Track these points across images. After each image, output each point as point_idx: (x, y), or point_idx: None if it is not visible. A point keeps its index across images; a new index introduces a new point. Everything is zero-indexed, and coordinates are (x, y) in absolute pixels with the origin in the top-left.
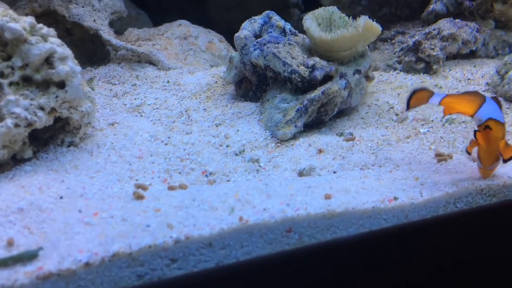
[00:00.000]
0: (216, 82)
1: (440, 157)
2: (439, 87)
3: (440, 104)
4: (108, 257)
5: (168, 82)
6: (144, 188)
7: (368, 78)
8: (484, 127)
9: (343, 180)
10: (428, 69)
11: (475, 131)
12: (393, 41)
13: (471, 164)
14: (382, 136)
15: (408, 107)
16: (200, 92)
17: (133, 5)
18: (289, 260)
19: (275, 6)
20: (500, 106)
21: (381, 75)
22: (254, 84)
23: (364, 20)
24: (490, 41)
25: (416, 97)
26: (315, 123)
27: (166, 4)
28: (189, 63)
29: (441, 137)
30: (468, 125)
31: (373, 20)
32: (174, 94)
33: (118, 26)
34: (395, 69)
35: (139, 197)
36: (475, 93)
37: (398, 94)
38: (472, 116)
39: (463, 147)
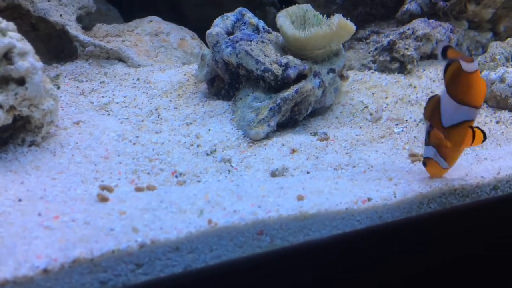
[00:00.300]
0: (188, 80)
1: (414, 157)
2: (413, 86)
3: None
4: (68, 263)
5: (138, 79)
6: (109, 189)
7: (343, 77)
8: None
9: (316, 181)
10: (403, 69)
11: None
12: (368, 41)
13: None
14: (357, 135)
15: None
16: (171, 90)
17: (103, 1)
18: (261, 263)
19: (250, 4)
20: None
21: (356, 74)
22: (226, 82)
23: (338, 19)
24: (464, 42)
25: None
26: (289, 122)
27: (139, 0)
28: (160, 61)
29: (415, 137)
30: None
31: (347, 19)
32: (144, 92)
33: (87, 21)
34: (369, 68)
35: (104, 199)
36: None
37: (373, 94)
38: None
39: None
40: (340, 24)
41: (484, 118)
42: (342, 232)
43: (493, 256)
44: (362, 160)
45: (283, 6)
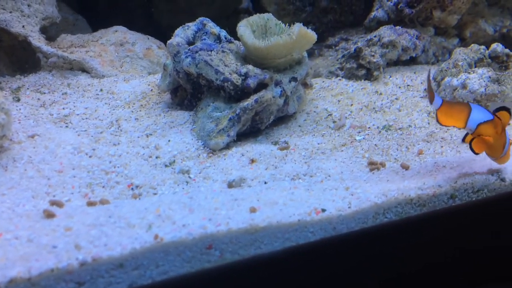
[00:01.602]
0: (151, 90)
1: (373, 166)
2: (379, 93)
3: (437, 111)
4: (5, 283)
5: (101, 90)
6: (59, 205)
7: (306, 85)
8: (477, 135)
9: (272, 192)
10: (369, 76)
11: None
12: (337, 48)
13: (403, 172)
14: (318, 144)
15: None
16: (135, 100)
17: (71, 10)
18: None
19: (224, 12)
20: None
21: (323, 81)
22: (189, 92)
23: (298, 28)
24: (430, 48)
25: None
26: (252, 131)
27: (110, 10)
28: (126, 71)
29: (375, 144)
30: (404, 132)
31: (308, 27)
32: (106, 103)
33: (53, 32)
34: (337, 75)
35: (50, 215)
36: (460, 102)
37: (339, 101)
38: (464, 128)
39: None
40: (300, 33)
41: None
42: (296, 244)
43: (454, 265)
44: (320, 170)
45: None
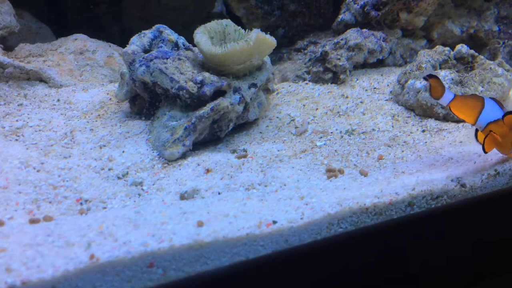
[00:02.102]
0: (110, 99)
1: (331, 173)
2: (346, 96)
3: (450, 105)
4: None
5: (58, 100)
6: (0, 223)
7: (269, 90)
8: (488, 133)
9: (223, 203)
10: (336, 79)
11: (476, 130)
12: (306, 51)
13: (361, 179)
14: (278, 151)
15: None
16: (92, 110)
17: (34, 19)
18: None
19: (197, 17)
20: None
21: (289, 86)
22: (147, 101)
23: (255, 34)
24: (398, 50)
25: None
26: (211, 139)
27: (79, 17)
28: (85, 80)
29: (335, 150)
30: (367, 136)
31: (266, 33)
32: (62, 114)
33: (13, 41)
34: (304, 79)
35: None
36: (475, 98)
37: (304, 106)
38: (473, 124)
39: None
40: (258, 39)
41: (410, 127)
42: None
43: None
44: (276, 178)
45: (231, 18)
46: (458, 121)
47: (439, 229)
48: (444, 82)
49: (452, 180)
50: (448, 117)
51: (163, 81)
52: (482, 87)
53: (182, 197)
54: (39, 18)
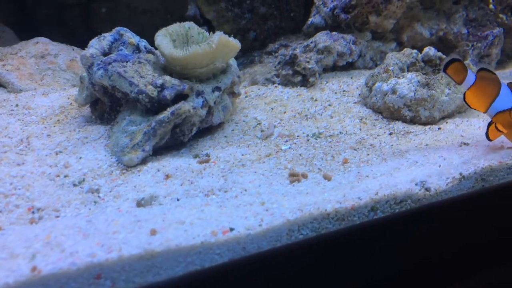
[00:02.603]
0: (71, 104)
1: (294, 178)
2: (314, 99)
3: (466, 91)
4: None
5: (16, 105)
6: None
7: (234, 94)
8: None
9: (180, 210)
10: (305, 82)
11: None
12: (276, 54)
13: (324, 184)
14: (242, 155)
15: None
16: (52, 115)
17: None
18: None
19: (169, 20)
20: None
21: (259, 89)
22: (107, 105)
23: (218, 36)
24: (367, 53)
25: (454, 68)
26: (174, 144)
27: (48, 21)
28: (46, 84)
29: (300, 154)
30: (334, 139)
31: (230, 36)
32: (19, 120)
33: None
34: (273, 82)
35: None
36: (492, 83)
37: (272, 109)
38: (484, 112)
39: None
40: (221, 42)
41: (378, 130)
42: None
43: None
44: (236, 184)
45: (205, 22)
46: (425, 123)
47: (403, 234)
48: (410, 85)
49: (416, 184)
50: (415, 120)
51: (122, 85)
52: (449, 89)
53: (139, 204)
54: (5, 22)
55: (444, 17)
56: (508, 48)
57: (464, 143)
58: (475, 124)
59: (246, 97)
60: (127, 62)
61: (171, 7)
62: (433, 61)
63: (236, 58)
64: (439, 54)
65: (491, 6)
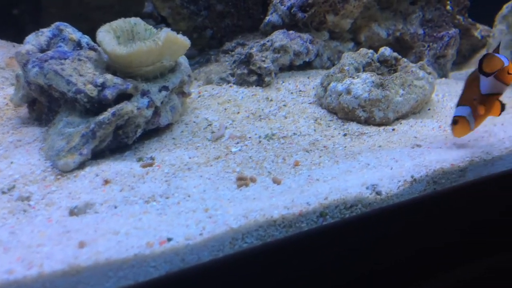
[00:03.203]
0: (7, 104)
1: (241, 182)
2: (270, 99)
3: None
4: None
5: None
6: None
7: (184, 94)
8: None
9: (116, 219)
10: (261, 82)
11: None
12: (233, 53)
13: (273, 188)
14: (189, 158)
15: (481, 71)
16: None
17: None
18: None
19: (125, 17)
20: None
21: (213, 88)
22: (45, 105)
23: (164, 33)
24: (325, 52)
25: (490, 63)
26: (118, 147)
27: None
28: None
29: (250, 156)
30: (287, 140)
31: (178, 33)
32: None
33: None
34: (228, 82)
35: None
36: None
37: (225, 109)
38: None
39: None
40: (169, 39)
41: (332, 131)
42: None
43: None
44: (180, 189)
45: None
46: (380, 124)
47: (352, 241)
48: (365, 85)
49: (367, 188)
50: (369, 121)
51: (58, 83)
52: (403, 90)
53: (72, 212)
54: None
55: (401, 17)
56: (465, 49)
57: (417, 145)
58: (429, 125)
59: (199, 97)
60: (65, 59)
61: (127, 3)
62: (389, 62)
63: (192, 56)
64: (395, 54)
65: (448, 7)
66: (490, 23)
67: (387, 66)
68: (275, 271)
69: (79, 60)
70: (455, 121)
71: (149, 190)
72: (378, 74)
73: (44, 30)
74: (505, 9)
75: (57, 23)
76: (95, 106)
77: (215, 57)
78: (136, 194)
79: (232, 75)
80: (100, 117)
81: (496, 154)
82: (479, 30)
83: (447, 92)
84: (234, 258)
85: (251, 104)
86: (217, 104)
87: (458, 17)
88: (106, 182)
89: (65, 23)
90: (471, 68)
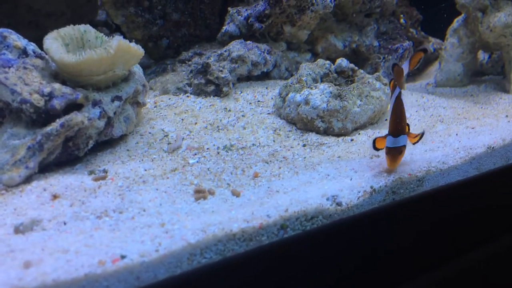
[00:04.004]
0: None
1: (199, 194)
2: (228, 110)
3: None
4: None
5: None
6: None
7: (139, 104)
8: None
9: (65, 236)
10: (219, 92)
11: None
12: (190, 63)
13: (232, 200)
14: (145, 170)
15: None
16: None
17: None
18: None
19: (79, 24)
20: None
21: (169, 98)
22: None
23: (116, 41)
24: (283, 63)
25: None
26: (69, 159)
27: None
28: None
29: (208, 168)
30: (246, 151)
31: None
32: None
33: None
34: (185, 92)
35: None
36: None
37: (182, 120)
38: None
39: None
40: (121, 47)
41: (291, 142)
42: None
43: None
44: (134, 203)
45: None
46: (338, 134)
47: (314, 253)
48: (323, 96)
49: (327, 199)
50: (328, 131)
51: (2, 93)
52: (360, 100)
53: (17, 230)
54: None
55: (357, 29)
56: None
57: (376, 155)
58: None
59: (155, 107)
60: (9, 67)
61: (79, 10)
62: (346, 72)
63: (148, 66)
64: (352, 65)
65: (401, 20)
66: (442, 36)
67: (344, 77)
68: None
69: (25, 68)
70: (400, 153)
71: (101, 204)
72: (335, 85)
73: None
74: (455, 23)
75: (0, 29)
76: (42, 117)
77: (171, 67)
78: (87, 209)
79: (189, 85)
80: (48, 129)
81: (452, 164)
82: (432, 43)
83: None
84: (192, 274)
85: (209, 114)
86: (173, 114)
87: (411, 30)
88: (55, 197)
89: (9, 30)
90: (424, 80)
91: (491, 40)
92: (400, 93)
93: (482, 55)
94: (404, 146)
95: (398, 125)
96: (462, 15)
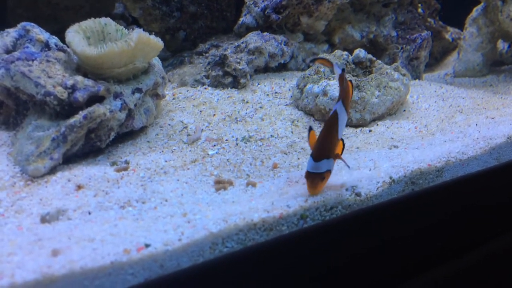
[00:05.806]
0: None
1: (220, 185)
2: (246, 101)
3: None
4: None
5: None
6: None
7: (158, 96)
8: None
9: (90, 226)
10: (236, 84)
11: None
12: (207, 55)
13: (252, 191)
14: (165, 162)
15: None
16: None
17: None
18: None
19: (95, 18)
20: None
21: (187, 91)
22: (13, 108)
23: (136, 34)
24: (300, 54)
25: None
26: (91, 151)
27: None
28: None
29: (228, 159)
30: (264, 143)
31: (151, 34)
32: None
33: None
34: (203, 84)
35: None
36: None
37: (200, 112)
38: None
39: None
40: (141, 40)
41: None
42: None
43: None
44: (156, 193)
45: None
46: (357, 125)
47: (333, 242)
48: None
49: (346, 189)
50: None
51: (26, 86)
52: (379, 91)
53: (43, 219)
54: None
55: (374, 19)
56: (436, 51)
57: (394, 146)
58: (405, 126)
59: (173, 99)
60: (33, 60)
61: (97, 4)
62: (363, 63)
63: (166, 58)
64: (369, 56)
65: (419, 10)
66: (460, 26)
67: (362, 68)
68: (256, 277)
69: (48, 61)
70: (322, 178)
71: (124, 195)
72: (353, 75)
73: (10, 30)
74: (475, 12)
75: (23, 23)
76: (65, 109)
77: (189, 59)
78: (110, 200)
79: (207, 77)
80: (71, 120)
81: (471, 154)
82: (450, 33)
83: (421, 94)
84: (216, 263)
85: (226, 106)
86: (192, 106)
87: (429, 19)
88: (79, 187)
89: (32, 23)
90: (443, 70)
91: (511, 29)
92: (336, 110)
93: (501, 45)
94: (329, 171)
95: (322, 148)
96: (482, 4)
